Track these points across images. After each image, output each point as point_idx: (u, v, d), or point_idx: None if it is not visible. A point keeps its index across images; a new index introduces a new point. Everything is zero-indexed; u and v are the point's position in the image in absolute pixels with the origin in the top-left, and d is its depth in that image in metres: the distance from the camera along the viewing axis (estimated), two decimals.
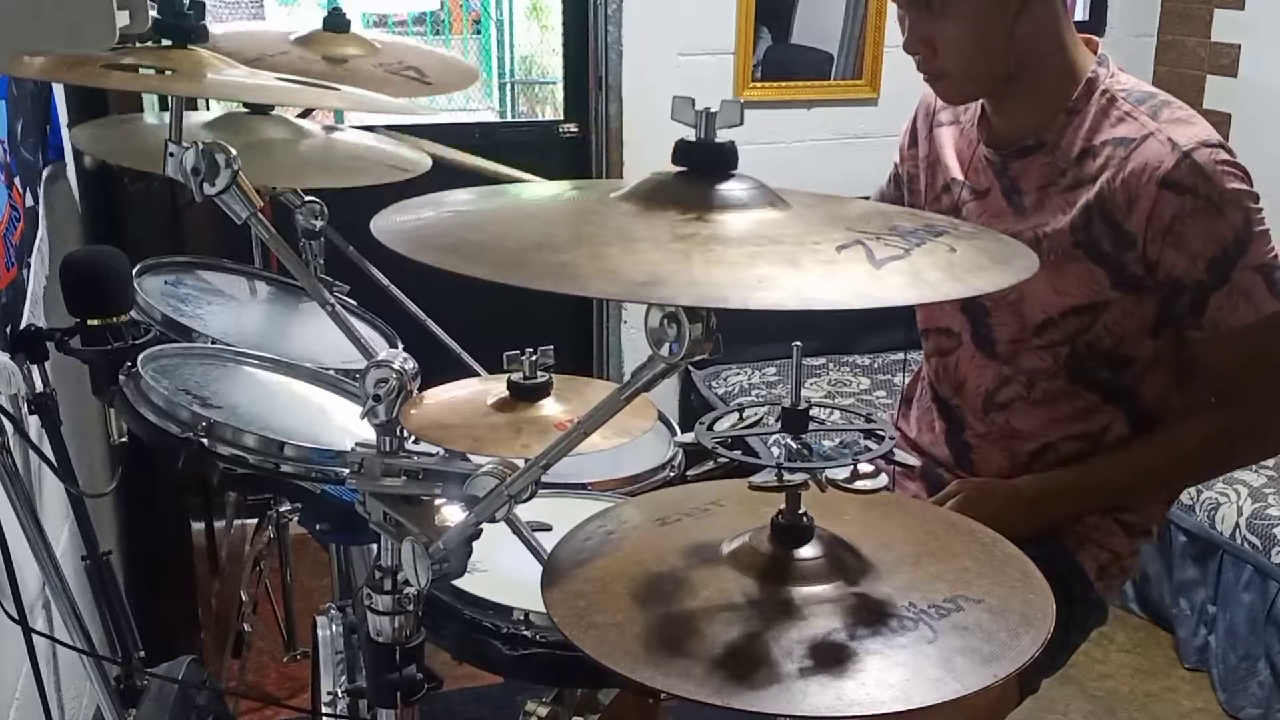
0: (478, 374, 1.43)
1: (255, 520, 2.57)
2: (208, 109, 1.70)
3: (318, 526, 1.27)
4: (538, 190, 0.98)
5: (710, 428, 0.94)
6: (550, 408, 1.06)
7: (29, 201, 1.69)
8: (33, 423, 1.58)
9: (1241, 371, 1.43)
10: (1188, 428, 1.51)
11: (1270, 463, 2.93)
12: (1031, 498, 1.51)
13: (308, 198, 1.63)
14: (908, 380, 1.83)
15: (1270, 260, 1.38)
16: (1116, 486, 1.54)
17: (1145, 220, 1.37)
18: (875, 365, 3.68)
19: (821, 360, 3.70)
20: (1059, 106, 1.46)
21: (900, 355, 3.52)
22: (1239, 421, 1.47)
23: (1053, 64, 1.45)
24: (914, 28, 1.45)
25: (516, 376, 1.06)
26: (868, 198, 1.75)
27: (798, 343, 0.91)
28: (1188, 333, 1.43)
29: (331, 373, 1.48)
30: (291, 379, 1.47)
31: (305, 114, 1.66)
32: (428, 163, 1.49)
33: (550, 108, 6.55)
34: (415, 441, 0.99)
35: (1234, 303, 1.38)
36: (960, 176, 1.58)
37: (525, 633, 1.09)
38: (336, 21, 1.75)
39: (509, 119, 6.61)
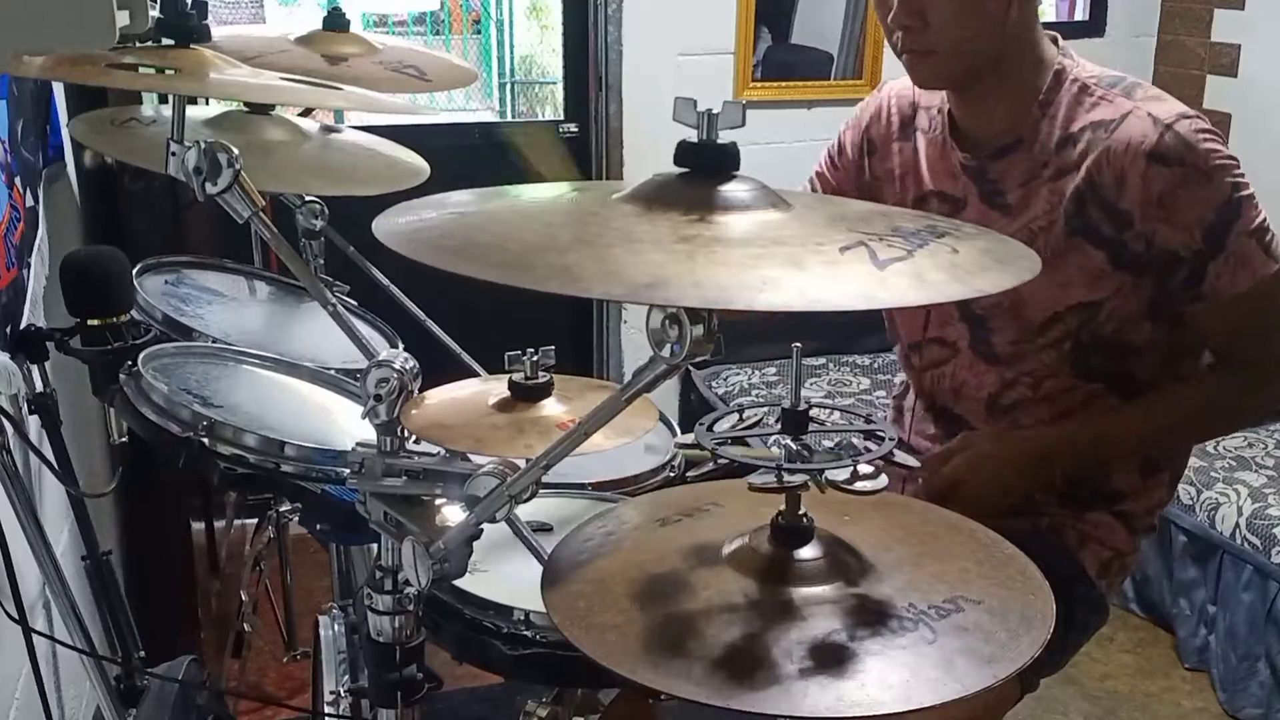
0: (478, 374, 1.43)
1: (255, 520, 2.57)
2: (206, 104, 1.70)
3: (318, 526, 1.27)
4: (539, 192, 0.98)
5: (710, 428, 0.94)
6: (551, 408, 1.05)
7: (29, 201, 1.69)
8: (33, 423, 1.58)
9: (1242, 336, 1.45)
10: (1190, 388, 1.52)
11: (1270, 462, 2.93)
12: (1040, 452, 1.50)
13: (308, 198, 1.63)
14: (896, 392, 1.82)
15: (1261, 223, 1.39)
16: (1123, 439, 1.53)
17: (1138, 196, 1.38)
18: (875, 365, 3.68)
19: (821, 360, 3.70)
20: (1031, 100, 1.46)
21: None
22: (1240, 384, 1.49)
23: (1027, 57, 1.46)
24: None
25: (518, 377, 1.06)
26: None
27: (798, 343, 0.92)
28: (1187, 305, 1.43)
29: (332, 372, 1.48)
30: (292, 379, 1.47)
31: (306, 113, 1.66)
32: (426, 171, 1.50)
33: (550, 108, 6.55)
34: (416, 441, 0.99)
35: (1232, 269, 1.38)
36: (933, 188, 1.58)
37: (525, 633, 1.08)
38: (336, 21, 1.75)
39: (509, 119, 6.61)
